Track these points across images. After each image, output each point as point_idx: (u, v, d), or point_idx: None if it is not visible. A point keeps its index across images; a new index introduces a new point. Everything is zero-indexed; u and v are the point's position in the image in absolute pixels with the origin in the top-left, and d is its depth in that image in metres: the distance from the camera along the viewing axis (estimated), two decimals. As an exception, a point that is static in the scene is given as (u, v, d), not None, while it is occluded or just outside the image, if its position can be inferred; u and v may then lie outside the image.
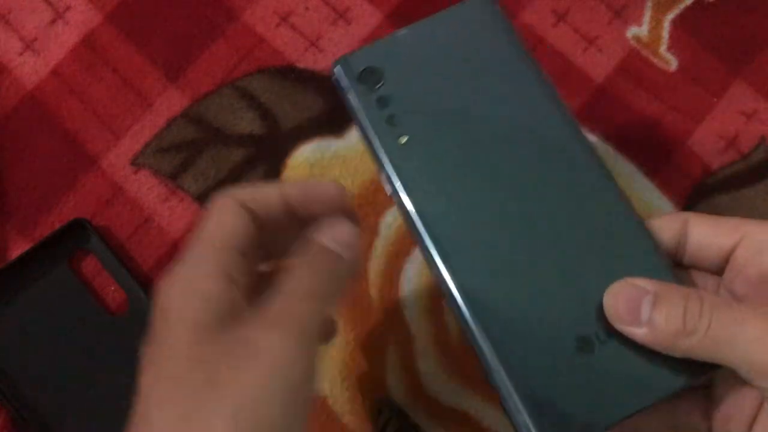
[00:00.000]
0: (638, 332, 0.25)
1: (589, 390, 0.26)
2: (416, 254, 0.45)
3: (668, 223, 0.29)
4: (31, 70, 0.47)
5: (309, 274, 0.25)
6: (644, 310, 0.25)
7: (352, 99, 0.30)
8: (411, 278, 0.44)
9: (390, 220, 0.45)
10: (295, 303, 0.24)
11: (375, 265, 0.44)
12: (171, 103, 0.47)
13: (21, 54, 0.48)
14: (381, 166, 0.30)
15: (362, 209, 0.45)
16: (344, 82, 0.30)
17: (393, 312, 0.44)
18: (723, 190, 0.46)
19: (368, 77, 0.30)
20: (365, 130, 0.30)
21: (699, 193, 0.46)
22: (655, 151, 0.47)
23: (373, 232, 0.45)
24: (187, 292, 0.24)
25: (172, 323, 0.24)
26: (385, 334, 0.44)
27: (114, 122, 0.47)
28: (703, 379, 0.27)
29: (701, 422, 0.28)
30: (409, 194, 0.29)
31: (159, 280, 0.25)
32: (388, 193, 0.30)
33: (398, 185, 0.29)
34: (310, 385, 0.24)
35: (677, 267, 0.29)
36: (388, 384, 0.43)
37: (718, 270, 0.29)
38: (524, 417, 0.26)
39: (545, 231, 0.28)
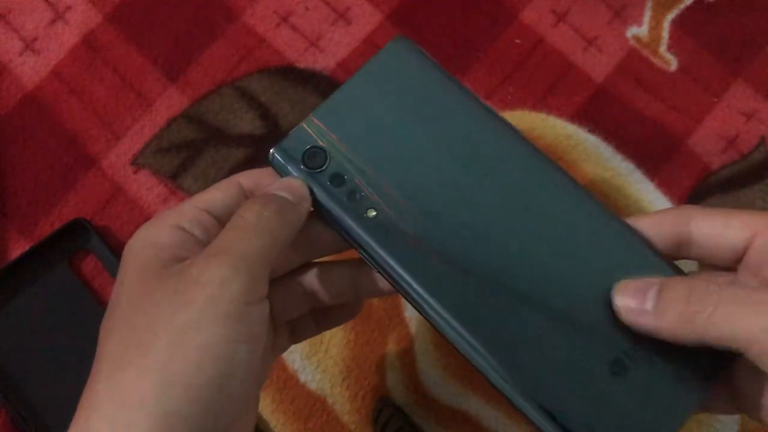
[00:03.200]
0: (647, 321, 0.26)
1: (633, 411, 0.26)
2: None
3: (663, 220, 0.28)
4: (31, 70, 0.47)
5: (249, 211, 0.25)
6: (650, 299, 0.26)
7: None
8: (411, 278, 0.44)
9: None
10: (233, 235, 0.25)
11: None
12: (171, 103, 0.47)
13: (21, 54, 0.48)
14: (358, 245, 0.28)
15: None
16: (289, 171, 0.28)
17: (393, 312, 0.44)
18: (723, 190, 0.46)
19: (312, 159, 0.28)
20: (329, 214, 0.28)
21: (699, 193, 0.46)
22: (655, 151, 0.47)
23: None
24: (143, 241, 0.26)
25: (124, 268, 0.25)
26: (385, 334, 0.44)
27: (114, 122, 0.47)
28: (724, 373, 0.27)
29: (727, 407, 0.28)
30: (399, 266, 0.27)
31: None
32: (374, 269, 0.28)
33: (387, 261, 0.27)
34: (254, 314, 0.24)
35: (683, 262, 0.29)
36: (388, 384, 0.43)
37: (730, 266, 0.28)
38: None
39: (541, 263, 0.28)
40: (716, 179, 0.46)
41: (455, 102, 0.29)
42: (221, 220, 0.27)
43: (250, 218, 0.25)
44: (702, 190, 0.46)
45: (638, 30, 0.49)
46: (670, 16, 0.49)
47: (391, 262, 0.27)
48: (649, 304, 0.26)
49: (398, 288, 0.28)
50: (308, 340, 0.43)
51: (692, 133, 0.47)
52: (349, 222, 0.28)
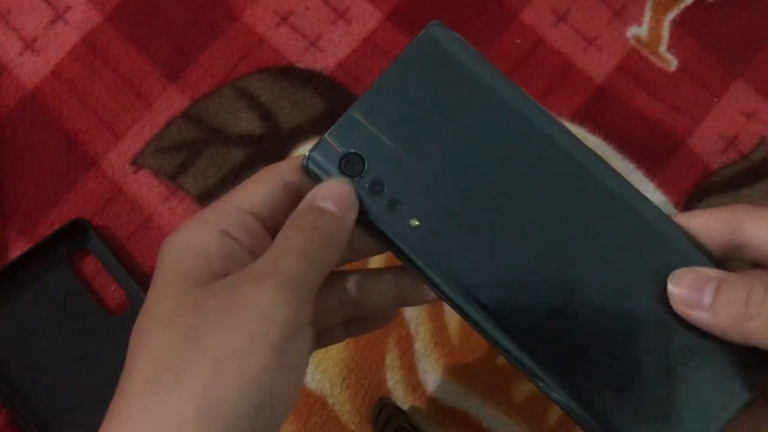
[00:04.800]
0: (701, 316, 0.25)
1: (683, 412, 0.26)
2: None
3: (714, 223, 0.27)
4: (31, 70, 0.47)
5: (300, 235, 0.24)
6: (707, 294, 0.25)
7: None
8: (411, 278, 0.44)
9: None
10: (280, 257, 0.24)
11: (375, 265, 0.44)
12: (171, 103, 0.47)
13: (21, 54, 0.48)
14: (401, 255, 0.26)
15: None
16: (326, 178, 0.26)
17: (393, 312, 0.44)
18: (723, 190, 0.46)
19: (349, 166, 0.26)
20: (369, 223, 0.26)
21: (699, 193, 0.46)
22: (655, 151, 0.47)
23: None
24: (183, 245, 0.24)
25: (163, 275, 0.24)
26: (385, 334, 0.44)
27: (114, 122, 0.47)
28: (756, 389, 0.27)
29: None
30: (444, 278, 0.26)
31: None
32: (421, 280, 0.27)
33: (431, 273, 0.26)
34: (300, 342, 0.23)
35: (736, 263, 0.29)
36: (388, 384, 0.43)
37: None
38: None
39: (592, 268, 0.27)
40: (716, 179, 0.46)
41: (500, 99, 0.27)
42: (267, 224, 0.26)
43: (300, 242, 0.24)
44: (702, 190, 0.46)
45: (638, 30, 0.49)
46: (670, 16, 0.49)
47: (435, 274, 0.26)
48: (706, 300, 0.25)
49: (446, 299, 0.26)
50: (308, 340, 0.43)
51: (692, 133, 0.47)
52: (391, 232, 0.26)
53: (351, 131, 0.27)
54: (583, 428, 0.26)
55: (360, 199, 0.26)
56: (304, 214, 0.25)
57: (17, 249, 0.44)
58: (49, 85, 0.47)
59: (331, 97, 0.47)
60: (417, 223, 0.26)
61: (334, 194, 0.26)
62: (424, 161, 0.26)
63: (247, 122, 0.47)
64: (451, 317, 0.44)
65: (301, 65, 0.48)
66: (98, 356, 0.42)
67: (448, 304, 0.27)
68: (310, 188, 0.26)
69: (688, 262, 0.26)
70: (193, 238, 0.24)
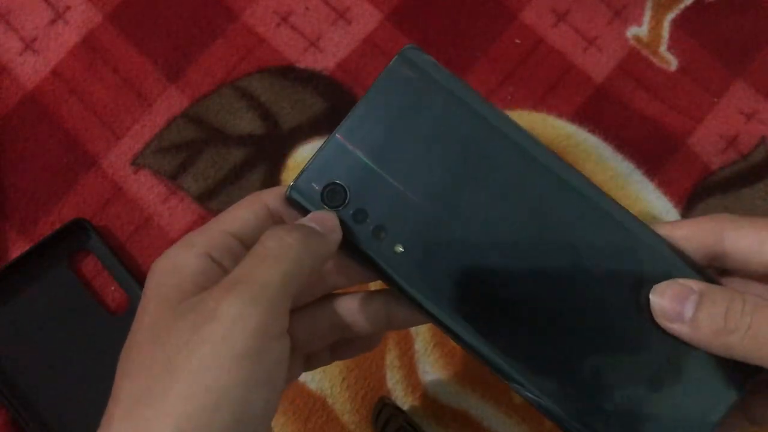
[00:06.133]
0: (682, 329, 0.26)
1: (669, 421, 0.26)
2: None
3: (696, 232, 0.28)
4: (31, 70, 0.47)
5: (272, 239, 0.24)
6: (688, 308, 0.26)
7: None
8: (411, 278, 0.44)
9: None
10: (252, 263, 0.23)
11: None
12: (171, 103, 0.47)
13: (21, 54, 0.48)
14: (388, 281, 0.26)
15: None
16: (308, 210, 0.26)
17: (393, 312, 0.44)
18: (723, 190, 0.46)
19: (332, 197, 0.26)
20: (355, 251, 0.27)
21: (699, 193, 0.46)
22: (655, 151, 0.47)
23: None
24: (166, 267, 0.24)
25: (146, 296, 0.24)
26: (385, 334, 0.44)
27: (114, 122, 0.47)
28: (750, 383, 0.27)
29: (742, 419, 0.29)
30: (431, 302, 0.26)
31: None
32: (410, 304, 0.27)
33: (418, 298, 0.26)
34: (272, 355, 0.23)
35: (718, 272, 0.29)
36: (388, 384, 0.43)
37: (765, 278, 0.28)
38: None
39: (575, 283, 0.27)
40: (716, 179, 0.46)
41: (479, 119, 0.27)
42: (249, 246, 0.25)
43: (271, 245, 0.24)
44: (702, 190, 0.46)
45: (638, 30, 0.49)
46: (670, 16, 0.49)
47: (423, 297, 0.26)
48: (687, 314, 0.26)
49: (436, 322, 0.27)
50: (308, 340, 0.43)
51: (692, 133, 0.47)
52: (377, 259, 0.26)
53: (332, 160, 0.27)
54: None
55: (345, 228, 0.26)
56: (280, 226, 0.25)
57: (17, 249, 0.44)
58: (49, 85, 0.47)
59: (331, 97, 0.47)
60: (402, 249, 0.26)
61: (316, 217, 0.26)
62: (406, 186, 0.27)
63: (247, 122, 0.47)
64: (451, 317, 0.44)
65: (301, 65, 0.48)
66: (98, 356, 0.42)
67: (438, 326, 0.27)
68: (294, 217, 0.27)
69: (671, 274, 0.27)
70: (176, 260, 0.24)
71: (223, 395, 0.21)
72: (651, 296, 0.27)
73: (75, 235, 0.44)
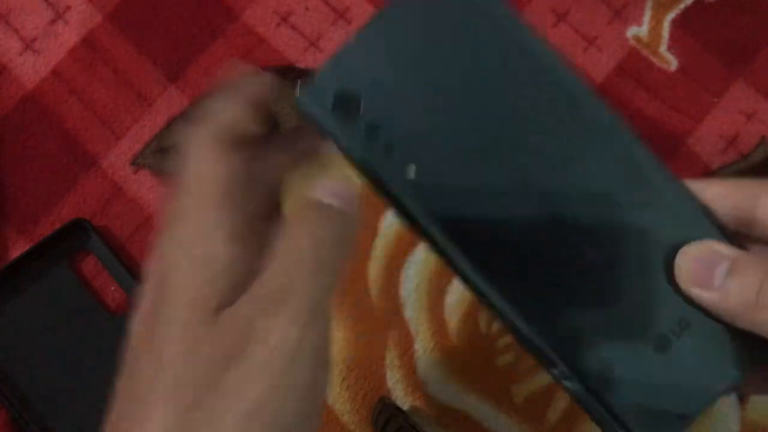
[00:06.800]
0: (707, 296, 0.24)
1: (672, 385, 0.25)
2: (416, 254, 0.45)
3: (730, 193, 0.26)
4: (31, 70, 0.47)
5: (310, 241, 0.21)
6: (718, 275, 0.24)
7: (337, 138, 0.25)
8: (411, 278, 0.44)
9: (390, 221, 0.45)
10: (298, 277, 0.21)
11: (375, 265, 0.44)
12: (171, 103, 0.47)
13: (21, 54, 0.48)
14: (395, 205, 0.25)
15: (362, 209, 0.45)
16: (318, 119, 0.24)
17: (393, 312, 0.44)
18: (723, 190, 0.46)
19: (344, 105, 0.24)
20: (362, 168, 0.25)
21: (699, 193, 0.46)
22: (655, 151, 0.47)
23: (373, 232, 0.45)
24: (194, 259, 0.21)
25: (172, 299, 0.20)
26: (385, 334, 0.44)
27: (114, 122, 0.47)
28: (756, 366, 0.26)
29: (763, 387, 0.27)
30: (440, 232, 0.24)
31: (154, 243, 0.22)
32: (414, 235, 0.25)
33: (427, 226, 0.24)
34: (324, 374, 0.21)
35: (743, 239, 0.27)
36: (388, 384, 0.43)
37: None
38: (616, 426, 0.25)
39: (598, 229, 0.25)
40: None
41: (511, 39, 0.25)
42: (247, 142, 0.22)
43: (309, 254, 0.21)
44: (702, 190, 0.46)
45: (638, 30, 0.49)
46: (670, 15, 0.49)
47: (428, 224, 0.24)
48: (716, 280, 0.24)
49: (438, 252, 0.25)
50: (308, 340, 0.43)
51: (692, 133, 0.47)
52: (385, 178, 0.24)
53: (347, 67, 0.24)
54: (572, 394, 0.25)
55: (355, 142, 0.24)
56: (314, 217, 0.23)
57: (17, 249, 0.44)
58: (49, 85, 0.47)
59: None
60: (413, 169, 0.24)
61: (342, 191, 0.24)
62: (424, 104, 0.24)
63: (247, 122, 0.47)
64: (451, 317, 0.44)
65: (301, 65, 0.48)
66: (98, 356, 0.42)
67: (441, 258, 0.25)
68: (258, 132, 0.24)
69: (701, 234, 0.25)
70: (205, 249, 0.21)
71: (280, 426, 0.20)
72: (678, 257, 0.25)
73: (75, 235, 0.44)
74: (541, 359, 0.25)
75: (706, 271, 0.24)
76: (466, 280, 0.25)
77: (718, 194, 0.26)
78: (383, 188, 0.25)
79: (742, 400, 0.43)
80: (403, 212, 0.25)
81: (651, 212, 0.25)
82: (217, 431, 0.19)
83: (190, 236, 0.21)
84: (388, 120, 0.24)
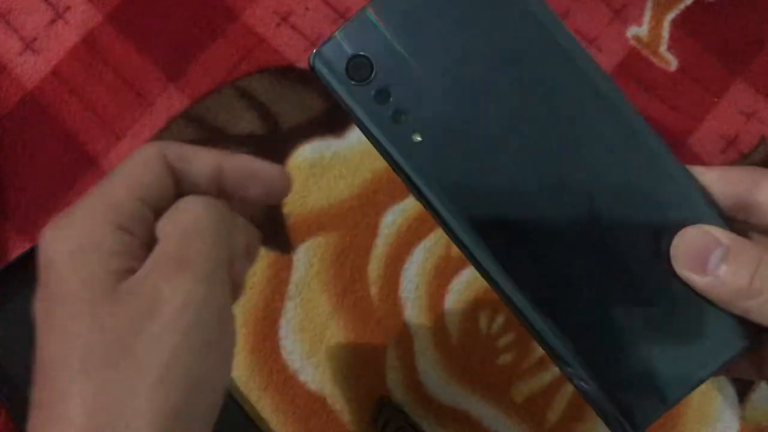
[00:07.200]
0: (700, 281, 0.25)
1: (661, 364, 0.25)
2: (416, 255, 0.45)
3: (730, 177, 0.26)
4: (31, 70, 0.47)
5: (205, 207, 0.23)
6: (713, 260, 0.24)
7: (345, 100, 0.26)
8: (411, 278, 0.44)
9: (390, 220, 0.45)
10: (193, 240, 0.22)
11: (375, 265, 0.44)
12: (171, 103, 0.47)
13: (21, 54, 0.48)
14: (398, 169, 0.25)
15: (362, 209, 0.45)
16: (329, 80, 0.26)
17: (393, 312, 0.44)
18: (723, 190, 0.46)
19: (356, 70, 0.25)
20: (369, 134, 0.25)
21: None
22: (655, 151, 0.47)
23: (373, 232, 0.45)
24: (77, 245, 0.22)
25: (65, 278, 0.21)
26: (385, 334, 0.44)
27: (114, 122, 0.47)
28: (755, 342, 0.26)
29: (753, 373, 0.28)
30: (440, 201, 0.25)
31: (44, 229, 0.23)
32: (415, 198, 0.26)
33: (428, 194, 0.25)
34: (230, 329, 0.22)
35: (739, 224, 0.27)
36: (388, 384, 0.43)
37: None
38: (608, 405, 0.25)
39: (596, 206, 0.25)
40: (716, 179, 0.46)
41: (527, 17, 0.25)
42: (156, 211, 0.23)
43: (206, 223, 0.22)
44: (702, 190, 0.46)
45: (638, 30, 0.49)
46: (670, 15, 0.49)
47: (430, 192, 0.25)
48: (710, 266, 0.24)
49: (437, 219, 0.25)
50: (308, 340, 0.43)
51: (692, 133, 0.47)
52: (391, 145, 0.25)
53: (363, 32, 0.25)
54: (567, 370, 0.26)
55: (364, 108, 0.25)
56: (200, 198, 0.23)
57: (17, 249, 0.44)
58: (49, 85, 0.47)
59: (331, 97, 0.47)
60: (420, 138, 0.25)
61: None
62: (435, 74, 0.25)
63: (247, 122, 0.47)
64: (451, 317, 0.44)
65: (301, 65, 0.48)
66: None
67: (440, 225, 0.26)
68: (202, 185, 0.25)
69: (698, 219, 0.25)
70: (91, 236, 0.22)
71: (196, 381, 0.21)
72: (675, 241, 0.25)
73: (75, 235, 0.44)
74: (541, 343, 0.26)
75: (701, 256, 0.25)
76: (470, 259, 0.26)
77: (718, 178, 0.26)
78: (386, 152, 0.25)
79: (742, 400, 0.43)
80: (409, 180, 0.25)
81: (653, 194, 0.26)
82: (136, 390, 0.20)
83: (77, 222, 0.22)
84: (399, 86, 0.25)
